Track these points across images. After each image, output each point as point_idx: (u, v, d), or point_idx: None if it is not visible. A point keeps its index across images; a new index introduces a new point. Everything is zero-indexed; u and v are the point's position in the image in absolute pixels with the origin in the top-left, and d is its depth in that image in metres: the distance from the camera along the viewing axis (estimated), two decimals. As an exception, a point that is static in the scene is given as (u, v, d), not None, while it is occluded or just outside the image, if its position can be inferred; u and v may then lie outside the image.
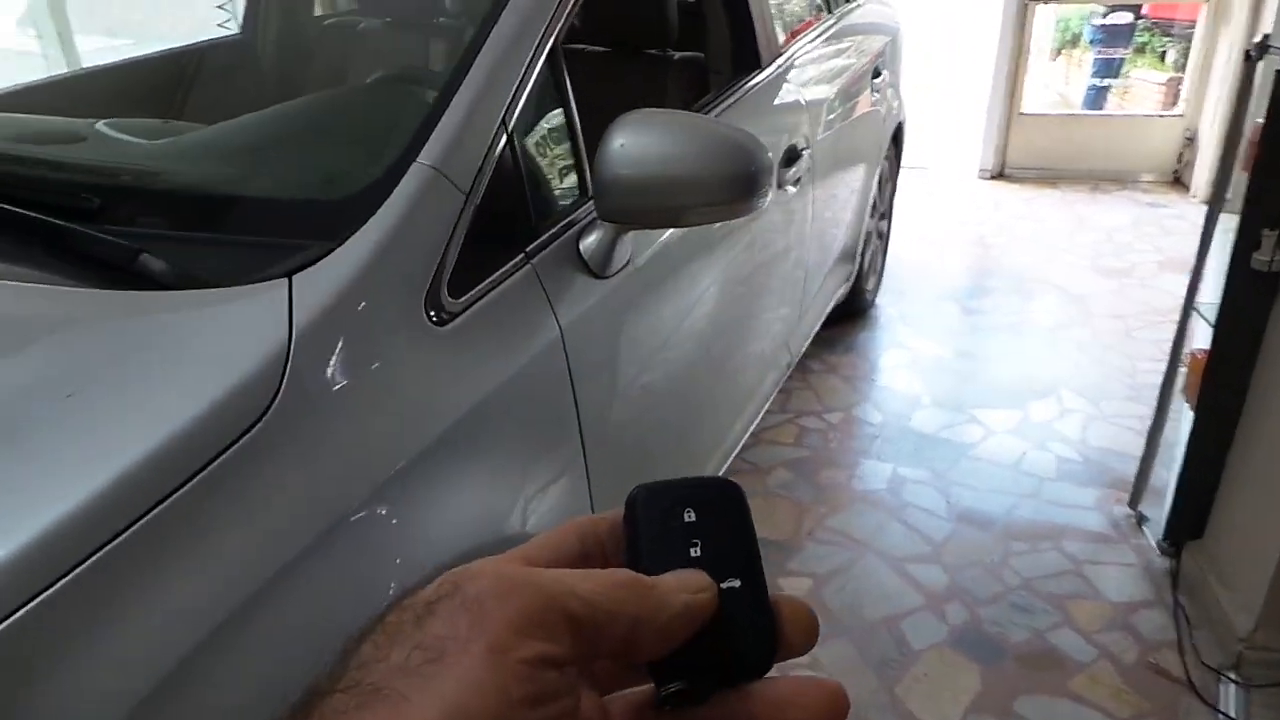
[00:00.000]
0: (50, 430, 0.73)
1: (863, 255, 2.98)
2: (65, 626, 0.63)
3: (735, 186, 1.16)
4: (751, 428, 2.10)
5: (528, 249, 1.13)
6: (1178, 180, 4.83)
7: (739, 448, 2.00)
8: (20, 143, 1.30)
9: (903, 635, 1.85)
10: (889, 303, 3.48)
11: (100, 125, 1.34)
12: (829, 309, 2.75)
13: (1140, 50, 6.77)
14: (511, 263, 1.10)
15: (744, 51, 1.94)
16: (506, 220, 1.11)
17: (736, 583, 0.31)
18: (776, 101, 1.93)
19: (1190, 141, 4.73)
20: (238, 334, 0.83)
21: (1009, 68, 4.80)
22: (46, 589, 0.62)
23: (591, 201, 1.17)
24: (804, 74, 2.13)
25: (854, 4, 2.75)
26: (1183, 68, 5.05)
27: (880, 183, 3.15)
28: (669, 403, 1.49)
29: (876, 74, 2.68)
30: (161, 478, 0.71)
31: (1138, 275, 3.71)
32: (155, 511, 0.69)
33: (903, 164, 3.46)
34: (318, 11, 2.40)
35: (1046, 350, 3.08)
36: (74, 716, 0.63)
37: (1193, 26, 4.90)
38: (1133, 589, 1.96)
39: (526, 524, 1.08)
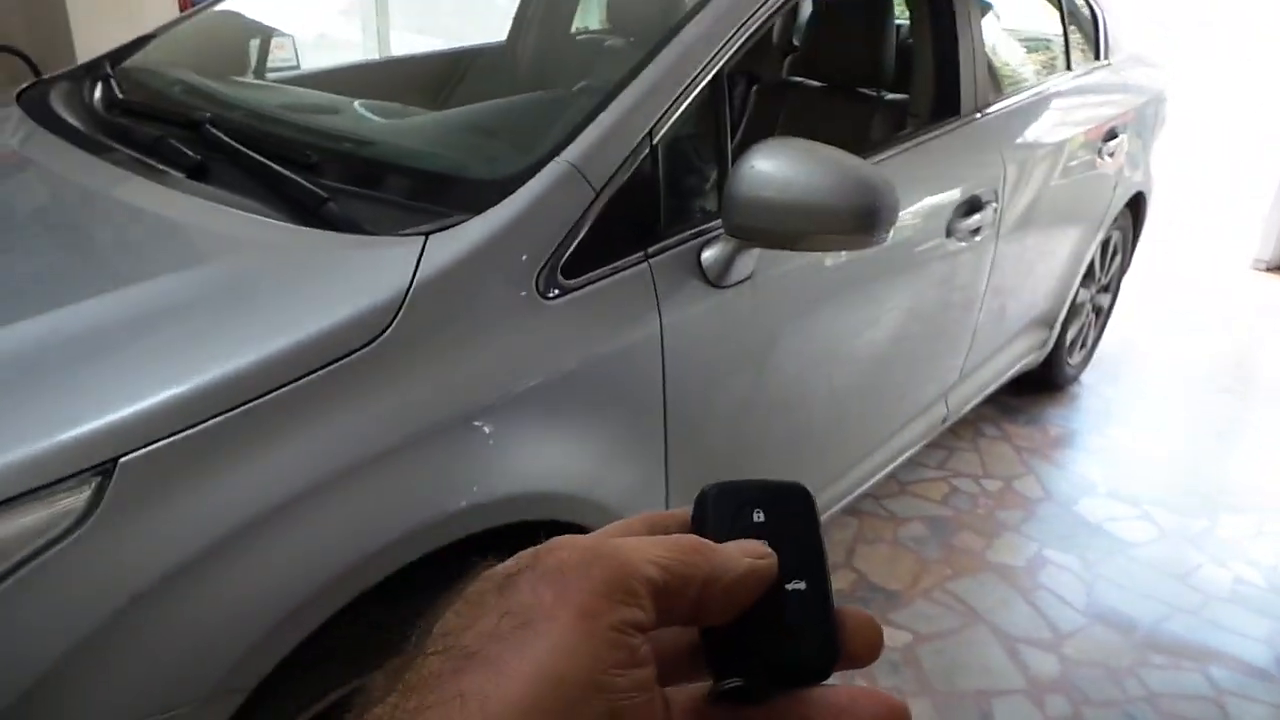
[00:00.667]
0: (227, 317, 0.96)
1: (1065, 325, 2.83)
2: (240, 436, 0.88)
3: (855, 219, 1.21)
4: (882, 474, 2.09)
5: (649, 249, 1.25)
6: None
7: (861, 490, 2.01)
8: (289, 110, 1.61)
9: (990, 712, 1.78)
10: (1096, 382, 3.25)
11: (356, 104, 1.63)
12: (1010, 374, 2.64)
13: None
14: (630, 258, 1.23)
15: (945, 97, 1.95)
16: (633, 220, 1.25)
17: (802, 585, 0.31)
18: (966, 149, 1.92)
19: None
20: (374, 274, 1.03)
21: (1309, 153, 4.27)
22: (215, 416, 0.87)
23: (720, 217, 1.28)
24: (1011, 126, 2.09)
25: (1102, 63, 2.62)
26: None
27: (1106, 253, 2.97)
28: (773, 422, 1.56)
29: (1112, 136, 2.54)
30: (290, 366, 0.92)
31: None
32: (286, 388, 0.91)
33: (1143, 237, 3.21)
34: (575, 26, 2.67)
35: (1267, 464, 2.76)
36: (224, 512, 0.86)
37: None
38: (1276, 737, 1.75)
39: (597, 493, 1.21)
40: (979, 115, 1.97)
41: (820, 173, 1.21)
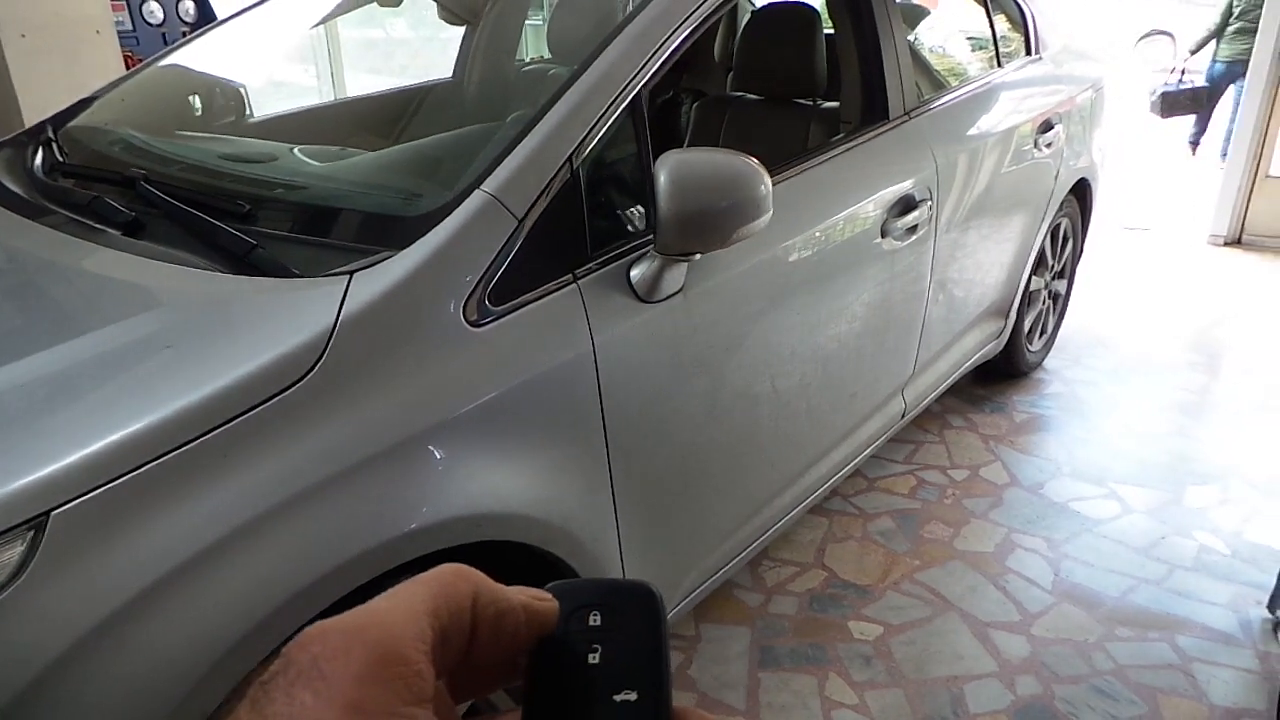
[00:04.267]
0: (151, 369, 0.99)
1: (1020, 313, 2.88)
2: (173, 481, 0.92)
3: (737, 211, 1.27)
4: (844, 471, 2.13)
5: (577, 271, 1.29)
6: None
7: (824, 489, 2.05)
8: (229, 160, 1.64)
9: (962, 696, 1.81)
10: (1060, 368, 3.30)
11: (295, 150, 1.67)
12: (968, 365, 2.69)
13: None
14: (558, 280, 1.27)
15: (873, 102, 2.00)
16: (559, 244, 1.28)
17: (633, 695, 0.30)
18: (895, 151, 1.97)
19: None
20: (300, 314, 1.06)
21: (1257, 126, 4.36)
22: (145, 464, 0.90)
23: (648, 235, 1.33)
24: (942, 125, 2.15)
25: (1033, 58, 2.69)
26: None
27: (1058, 240, 3.03)
28: (717, 430, 1.59)
29: (1048, 127, 2.60)
30: (220, 410, 0.95)
31: (1373, 367, 3.26)
32: (216, 431, 0.94)
33: (1094, 222, 3.27)
34: (528, 56, 2.72)
35: (1231, 433, 2.81)
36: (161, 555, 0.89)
37: None
38: (1242, 696, 1.79)
39: (546, 512, 1.25)
40: (908, 117, 2.02)
41: (704, 175, 1.25)
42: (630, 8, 1.86)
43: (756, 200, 1.30)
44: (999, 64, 2.54)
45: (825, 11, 2.16)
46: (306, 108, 2.57)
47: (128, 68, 3.07)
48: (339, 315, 1.05)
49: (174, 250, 1.23)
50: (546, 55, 2.65)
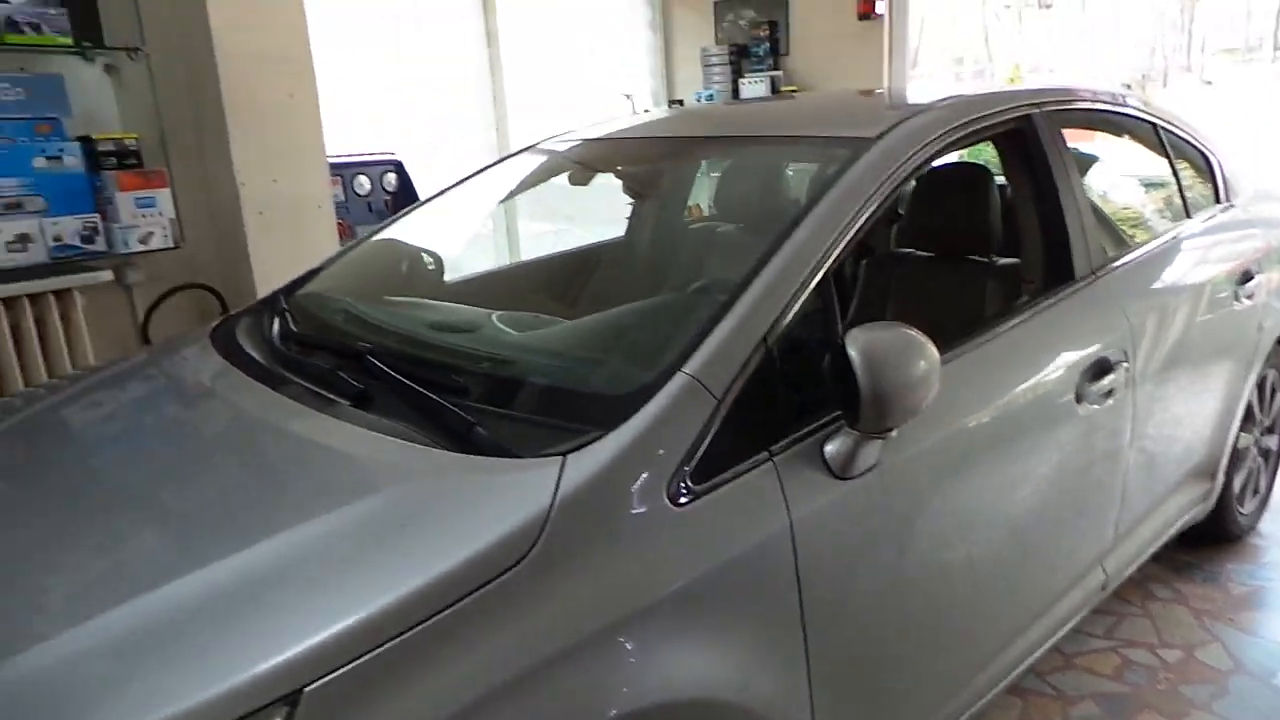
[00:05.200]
0: (386, 549, 1.05)
1: (1229, 472, 2.65)
2: (405, 661, 0.96)
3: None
4: (1043, 649, 1.97)
5: (772, 448, 1.30)
6: None
7: (1022, 668, 1.89)
8: (437, 330, 1.78)
9: None
10: (1278, 531, 2.98)
11: (494, 317, 1.79)
12: (1173, 530, 2.47)
13: None
14: (754, 458, 1.27)
15: (1057, 261, 1.96)
16: (755, 421, 1.30)
17: None
18: (1085, 312, 1.91)
19: None
20: (517, 496, 1.11)
21: None
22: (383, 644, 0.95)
23: (839, 410, 1.32)
24: (1133, 282, 2.07)
25: (1223, 206, 2.58)
26: None
27: (1264, 393, 2.80)
28: (913, 607, 1.52)
29: (1248, 277, 2.46)
30: (450, 591, 1.00)
31: None
32: (446, 612, 0.99)
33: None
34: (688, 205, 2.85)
35: None
36: None
37: None
38: None
39: (742, 697, 1.21)
40: (1095, 276, 1.96)
41: (895, 351, 1.26)
42: (810, 177, 1.94)
43: (933, 372, 1.28)
44: (1187, 214, 2.44)
45: (1000, 166, 2.16)
46: (494, 270, 2.76)
47: (340, 235, 3.43)
48: (555, 498, 1.09)
49: (397, 424, 1.32)
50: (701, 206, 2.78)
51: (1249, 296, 2.43)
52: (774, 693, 1.26)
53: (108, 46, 2.93)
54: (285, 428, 1.44)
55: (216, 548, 1.11)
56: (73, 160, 2.81)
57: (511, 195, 2.58)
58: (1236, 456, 2.68)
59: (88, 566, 1.16)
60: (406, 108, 4.80)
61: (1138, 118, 2.43)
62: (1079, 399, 1.80)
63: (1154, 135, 2.46)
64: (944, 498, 1.54)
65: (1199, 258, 2.31)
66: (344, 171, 3.80)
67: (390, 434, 1.31)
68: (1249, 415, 2.68)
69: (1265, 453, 2.94)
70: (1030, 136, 1.95)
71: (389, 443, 1.29)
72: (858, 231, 1.49)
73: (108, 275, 2.94)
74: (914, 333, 1.30)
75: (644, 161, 2.34)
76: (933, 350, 1.29)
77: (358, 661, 0.92)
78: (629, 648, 1.09)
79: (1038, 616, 1.92)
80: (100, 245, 2.87)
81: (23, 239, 2.71)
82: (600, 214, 2.84)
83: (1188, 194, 2.48)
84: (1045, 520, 1.81)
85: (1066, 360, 1.79)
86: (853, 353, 1.26)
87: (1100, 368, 1.85)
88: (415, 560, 1.02)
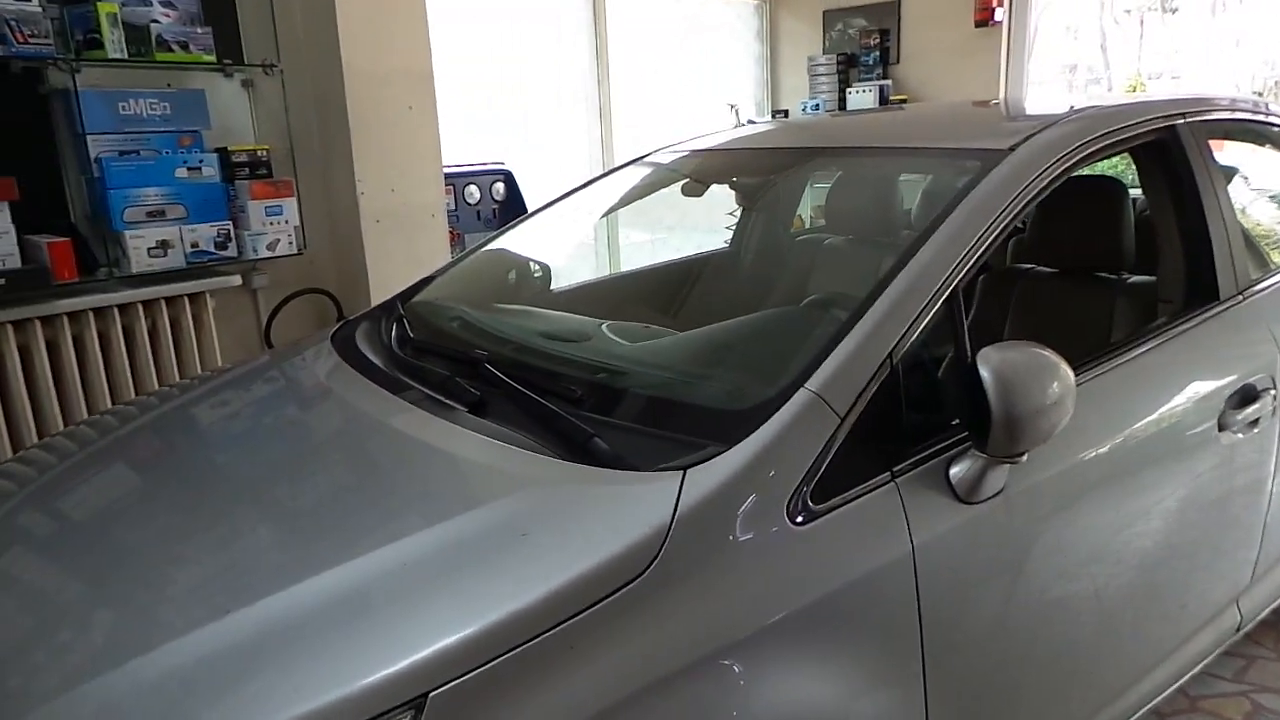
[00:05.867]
0: (509, 556, 1.07)
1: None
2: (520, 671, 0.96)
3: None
4: (1168, 692, 1.85)
5: (895, 469, 1.26)
6: None
7: (1145, 710, 1.79)
8: (548, 338, 1.80)
9: None
10: None
11: (604, 327, 1.80)
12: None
13: None
14: (876, 479, 1.24)
15: (1199, 280, 1.85)
16: (878, 441, 1.26)
17: None
18: (1231, 335, 1.79)
19: None
20: (638, 510, 1.11)
21: None
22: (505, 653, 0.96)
23: (965, 431, 1.28)
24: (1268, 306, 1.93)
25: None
26: None
27: None
28: (1036, 641, 1.45)
29: None
30: (565, 606, 1.00)
31: None
32: (570, 621, 0.99)
33: None
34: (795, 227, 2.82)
35: None
36: None
37: None
38: None
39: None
40: (1241, 297, 1.85)
41: (1029, 372, 1.21)
42: (931, 191, 1.88)
43: (1069, 395, 1.23)
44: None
45: (1139, 179, 2.05)
46: (599, 279, 2.79)
47: (451, 242, 3.54)
48: (675, 512, 1.09)
49: (514, 431, 1.34)
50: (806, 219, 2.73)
51: None
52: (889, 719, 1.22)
53: (246, 63, 3.11)
54: (405, 432, 1.48)
55: (342, 550, 1.14)
56: (210, 171, 2.97)
57: (619, 206, 2.59)
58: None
59: (217, 564, 1.21)
60: (516, 118, 4.91)
61: (1285, 128, 2.28)
62: (1221, 427, 1.69)
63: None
64: (1071, 527, 1.47)
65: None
66: (455, 181, 3.90)
67: (508, 441, 1.33)
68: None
69: None
70: (1173, 148, 1.85)
71: (507, 450, 1.31)
72: (988, 248, 1.44)
73: (236, 280, 3.11)
74: (1049, 353, 1.25)
75: (759, 173, 2.32)
76: (1068, 372, 1.24)
77: (482, 669, 0.94)
78: (741, 670, 1.07)
79: (1165, 656, 1.82)
80: (231, 251, 3.04)
81: (163, 244, 2.88)
82: (711, 225, 2.83)
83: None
84: (1179, 555, 1.71)
85: (1209, 386, 1.69)
86: (984, 373, 1.21)
87: (1245, 395, 1.73)
88: (538, 569, 1.03)
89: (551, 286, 2.55)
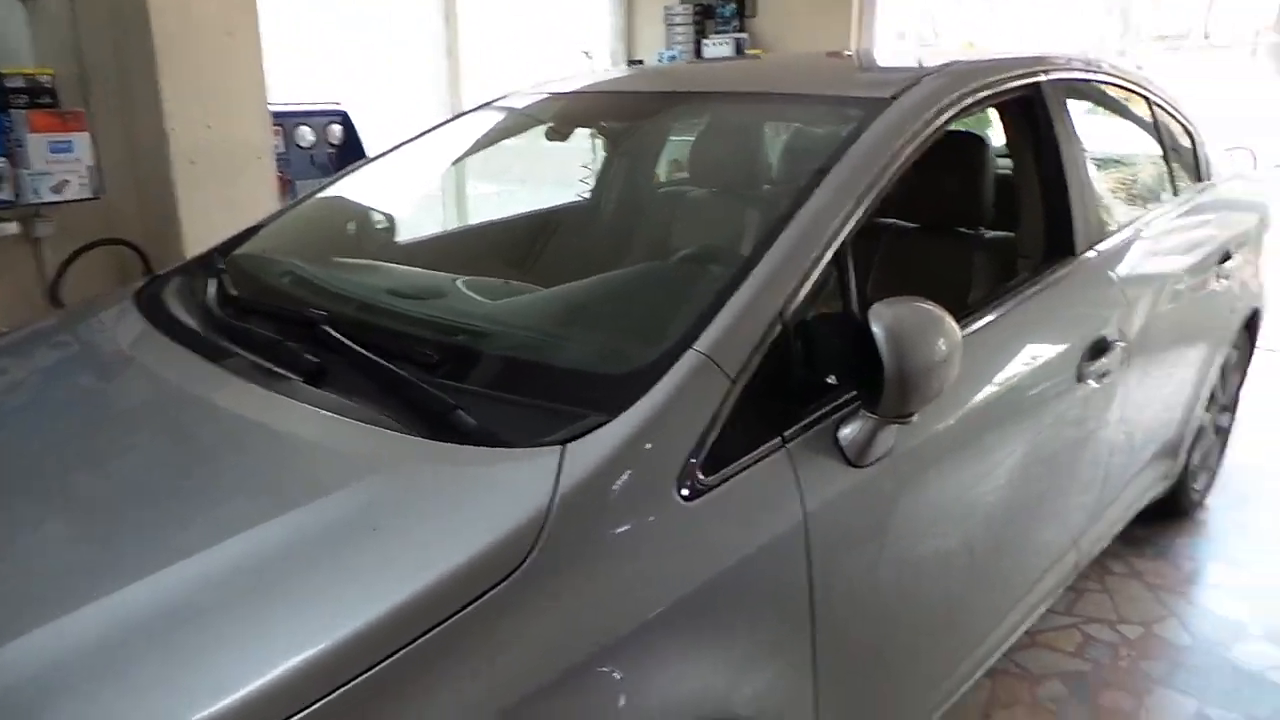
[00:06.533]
0: (358, 556, 0.90)
1: (1190, 452, 2.66)
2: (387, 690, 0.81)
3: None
4: (1021, 630, 1.93)
5: (785, 434, 1.19)
6: None
7: (1001, 652, 1.85)
8: (396, 296, 1.61)
9: None
10: (1223, 507, 3.02)
11: (459, 282, 1.63)
12: (1137, 509, 2.47)
13: None
14: (768, 445, 1.16)
15: (1058, 236, 1.88)
16: (767, 405, 1.18)
17: None
18: (1087, 291, 1.84)
19: None
20: (511, 492, 0.97)
21: None
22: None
23: (855, 391, 1.22)
24: (1128, 262, 2.01)
25: (1207, 184, 2.55)
26: None
27: (1224, 372, 2.82)
28: (921, 599, 1.44)
29: (1226, 257, 2.44)
30: (423, 615, 0.85)
31: None
32: (430, 634, 0.84)
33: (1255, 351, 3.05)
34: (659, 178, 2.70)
35: None
36: None
37: None
38: None
39: (758, 709, 1.11)
40: (1093, 252, 1.90)
41: (921, 328, 1.15)
42: (803, 139, 1.81)
43: (956, 351, 1.18)
44: (1174, 191, 2.40)
45: (1004, 134, 2.06)
46: (451, 231, 2.58)
47: (281, 190, 3.19)
48: (554, 495, 0.96)
49: (360, 404, 1.16)
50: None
51: (1226, 278, 2.41)
52: (784, 699, 1.16)
53: (18, -31, 2.63)
54: (228, 407, 1.27)
55: (149, 556, 0.95)
56: (-27, 97, 2.51)
57: (471, 153, 2.39)
58: (1197, 435, 2.69)
59: None
60: (354, 57, 4.50)
61: (1133, 90, 2.37)
62: (1080, 378, 1.74)
63: (1147, 109, 2.41)
64: (948, 486, 1.46)
65: (1186, 237, 2.28)
66: (285, 122, 3.52)
67: (353, 416, 1.15)
68: (1212, 394, 2.69)
69: (1218, 430, 2.97)
70: (1037, 105, 1.86)
71: (353, 427, 1.13)
72: (876, 198, 1.38)
73: (13, 227, 2.67)
74: (936, 309, 1.20)
75: (627, 118, 2.18)
76: (955, 328, 1.19)
77: (324, 700, 0.78)
78: (633, 664, 0.97)
79: (1022, 598, 1.88)
80: (6, 194, 2.59)
81: (-86, 183, 2.43)
82: (569, 174, 2.67)
83: (1174, 171, 2.44)
84: (1043, 503, 1.76)
85: (1070, 339, 1.73)
86: (877, 330, 1.15)
87: (1098, 347, 1.79)
88: (392, 573, 0.88)
89: (397, 239, 2.33)
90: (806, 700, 1.23)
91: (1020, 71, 1.82)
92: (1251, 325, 2.84)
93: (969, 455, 1.49)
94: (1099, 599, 2.53)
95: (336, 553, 0.91)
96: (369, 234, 2.21)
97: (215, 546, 0.93)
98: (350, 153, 3.68)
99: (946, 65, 1.73)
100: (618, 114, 2.20)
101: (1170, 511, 2.85)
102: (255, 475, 1.11)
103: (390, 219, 2.24)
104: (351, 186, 2.18)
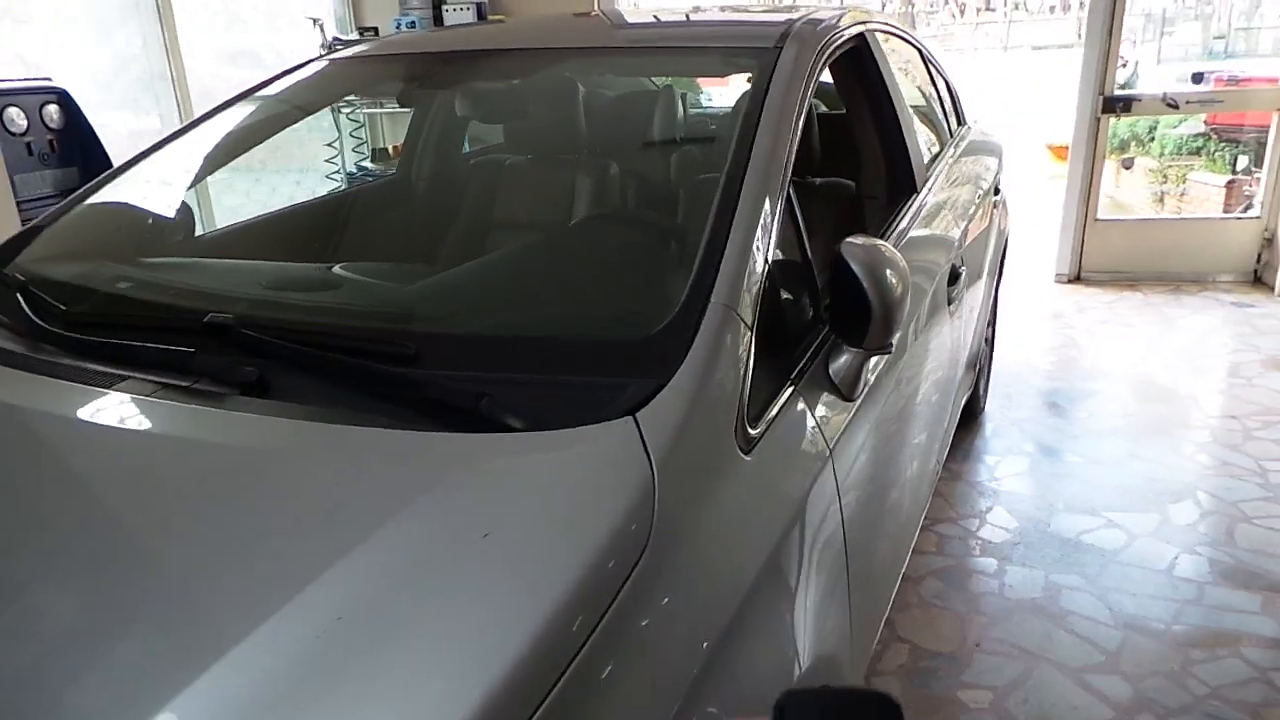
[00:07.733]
0: (481, 568, 0.78)
1: (978, 361, 3.04)
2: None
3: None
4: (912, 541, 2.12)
5: (792, 375, 1.20)
6: (1259, 280, 4.87)
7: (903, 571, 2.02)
8: (279, 290, 1.40)
9: (1100, 752, 1.81)
10: (997, 408, 3.50)
11: (338, 270, 1.45)
12: (958, 417, 2.79)
13: (1195, 153, 6.97)
14: (784, 390, 1.16)
15: (900, 176, 2.04)
16: (775, 350, 1.18)
17: None
18: (935, 224, 2.03)
19: (1270, 242, 4.79)
20: (609, 468, 0.89)
21: (1084, 176, 4.93)
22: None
23: (824, 325, 1.26)
24: (945, 196, 2.23)
25: (968, 126, 2.89)
26: (1249, 170, 5.18)
27: (995, 291, 3.24)
28: (887, 511, 1.53)
29: (996, 191, 2.79)
30: (576, 614, 0.75)
31: (1243, 375, 3.71)
32: (600, 627, 0.75)
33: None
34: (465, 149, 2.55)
35: (1168, 453, 3.07)
36: None
37: (1262, 131, 5.04)
38: (1329, 701, 1.91)
39: (835, 646, 1.12)
40: (928, 189, 2.09)
41: (888, 263, 1.21)
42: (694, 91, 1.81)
43: (909, 282, 1.25)
44: (951, 134, 2.70)
45: (835, 84, 2.18)
46: (262, 216, 2.26)
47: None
48: (651, 463, 0.89)
49: (346, 411, 1.01)
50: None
51: (996, 208, 2.76)
52: (840, 624, 1.18)
53: None
54: (200, 437, 1.03)
55: (267, 625, 0.76)
56: None
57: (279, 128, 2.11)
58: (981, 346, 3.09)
59: None
60: (53, 24, 3.76)
61: (908, 42, 2.61)
62: (949, 302, 1.91)
63: (921, 60, 2.68)
64: (890, 407, 1.55)
65: (970, 172, 2.57)
66: (-17, 102, 2.88)
67: (346, 423, 0.99)
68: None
69: (988, 341, 3.42)
70: (867, 55, 2.00)
71: (363, 435, 0.97)
72: (796, 142, 1.41)
73: None
74: (887, 245, 1.26)
75: (498, 78, 2.03)
76: (903, 261, 1.26)
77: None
78: (751, 619, 0.94)
79: (922, 506, 2.05)
80: None
81: None
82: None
83: (948, 115, 2.74)
84: (930, 419, 1.92)
85: (941, 270, 1.89)
86: (855, 266, 1.18)
87: (954, 274, 1.98)
88: (534, 572, 0.77)
89: (207, 232, 2.03)
90: (845, 615, 1.24)
91: (854, 21, 1.92)
92: (1005, 249, 3.28)
93: (901, 382, 1.60)
94: (937, 502, 2.82)
95: (459, 569, 0.78)
96: (172, 230, 1.90)
97: (321, 594, 0.76)
98: (77, 137, 3.09)
99: (807, 16, 1.79)
100: (496, 74, 2.01)
101: (966, 418, 3.25)
102: (309, 511, 0.89)
103: (184, 206, 1.93)
104: (128, 188, 1.84)
